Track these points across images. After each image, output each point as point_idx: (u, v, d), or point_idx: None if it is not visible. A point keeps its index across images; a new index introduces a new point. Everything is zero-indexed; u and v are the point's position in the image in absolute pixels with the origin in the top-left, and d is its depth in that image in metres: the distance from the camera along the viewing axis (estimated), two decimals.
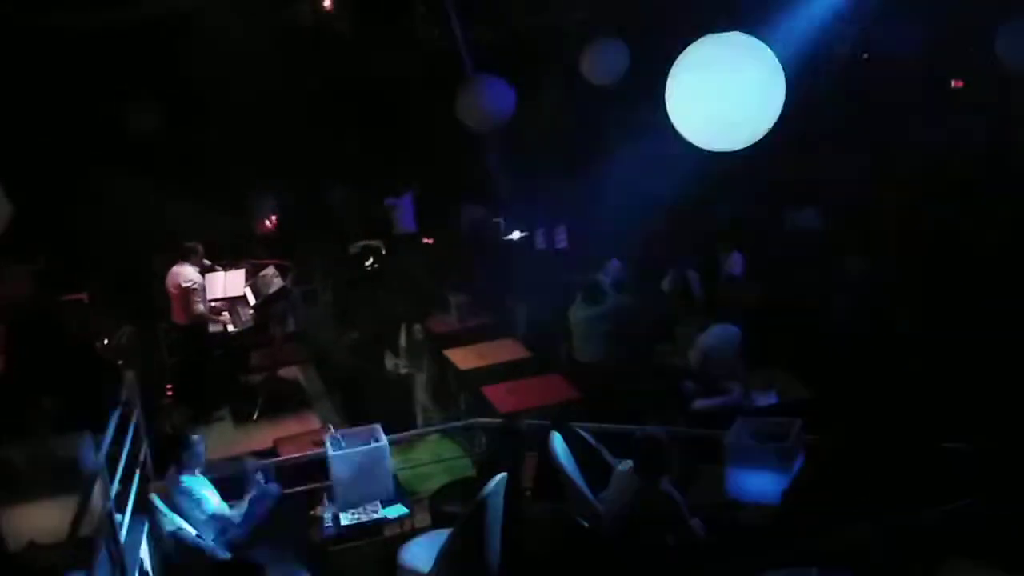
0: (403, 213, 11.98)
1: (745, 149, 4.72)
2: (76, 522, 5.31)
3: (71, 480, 5.57)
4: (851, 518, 4.60)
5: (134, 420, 6.71)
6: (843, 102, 12.04)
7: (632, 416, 6.66)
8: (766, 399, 7.24)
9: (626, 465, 5.12)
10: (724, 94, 4.52)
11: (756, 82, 4.50)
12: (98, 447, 6.28)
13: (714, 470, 5.69)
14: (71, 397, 7.41)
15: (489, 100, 10.18)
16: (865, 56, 12.30)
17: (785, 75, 4.56)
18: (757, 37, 4.59)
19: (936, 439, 5.47)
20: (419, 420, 8.38)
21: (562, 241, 11.44)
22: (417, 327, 9.10)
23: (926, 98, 11.97)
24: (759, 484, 5.50)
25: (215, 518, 5.54)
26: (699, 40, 4.65)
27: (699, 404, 7.19)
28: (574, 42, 10.40)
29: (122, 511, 5.89)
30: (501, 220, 11.62)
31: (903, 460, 5.19)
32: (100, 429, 6.79)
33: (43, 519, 5.45)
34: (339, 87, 11.57)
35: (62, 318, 8.15)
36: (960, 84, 12.84)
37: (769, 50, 4.56)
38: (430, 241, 11.88)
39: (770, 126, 4.60)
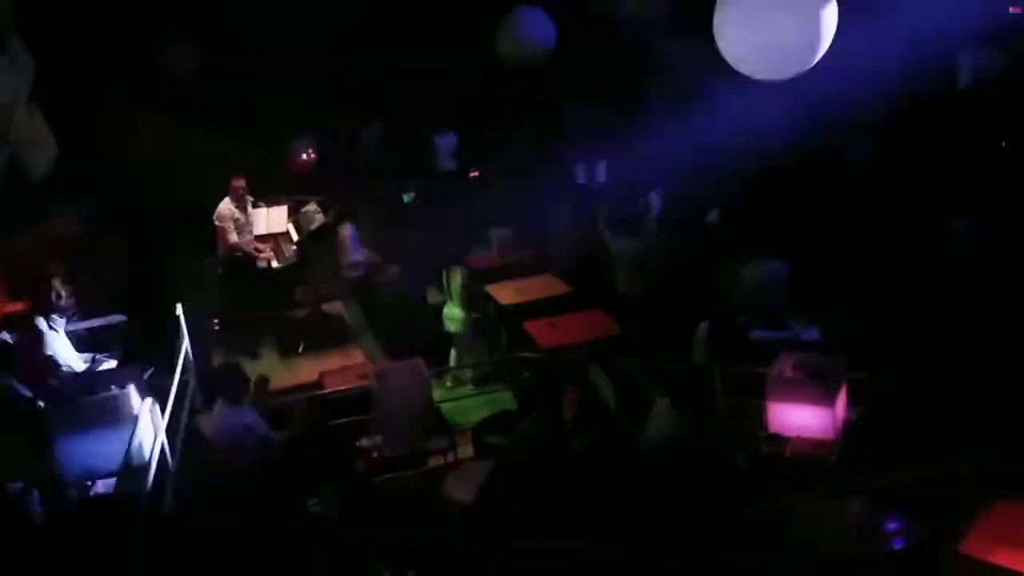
0: (442, 150, 11.86)
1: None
2: (128, 452, 5.50)
3: (123, 411, 5.75)
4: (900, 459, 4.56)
5: (183, 352, 6.87)
6: None
7: (674, 351, 6.62)
8: (808, 334, 7.14)
9: (667, 400, 5.12)
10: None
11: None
12: (148, 378, 6.47)
13: (758, 405, 5.68)
14: (122, 330, 7.61)
15: (530, 32, 10.02)
16: None
17: None
18: None
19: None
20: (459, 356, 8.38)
21: (602, 176, 11.29)
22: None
23: None
24: (801, 419, 5.49)
25: (262, 443, 5.62)
26: None
27: (758, 334, 7.05)
28: None
29: (172, 441, 6.07)
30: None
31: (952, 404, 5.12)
32: (151, 361, 7.00)
33: (97, 449, 5.64)
34: (379, 20, 11.40)
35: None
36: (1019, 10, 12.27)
37: None
38: (476, 174, 11.71)
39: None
